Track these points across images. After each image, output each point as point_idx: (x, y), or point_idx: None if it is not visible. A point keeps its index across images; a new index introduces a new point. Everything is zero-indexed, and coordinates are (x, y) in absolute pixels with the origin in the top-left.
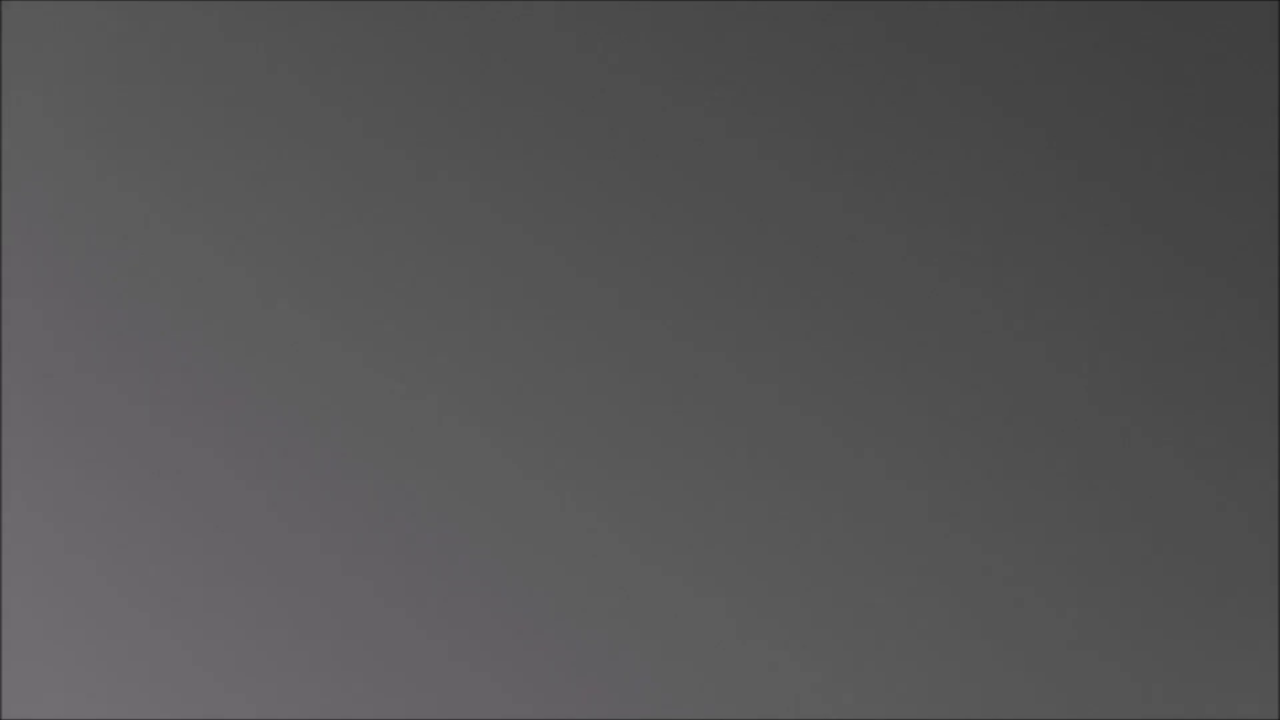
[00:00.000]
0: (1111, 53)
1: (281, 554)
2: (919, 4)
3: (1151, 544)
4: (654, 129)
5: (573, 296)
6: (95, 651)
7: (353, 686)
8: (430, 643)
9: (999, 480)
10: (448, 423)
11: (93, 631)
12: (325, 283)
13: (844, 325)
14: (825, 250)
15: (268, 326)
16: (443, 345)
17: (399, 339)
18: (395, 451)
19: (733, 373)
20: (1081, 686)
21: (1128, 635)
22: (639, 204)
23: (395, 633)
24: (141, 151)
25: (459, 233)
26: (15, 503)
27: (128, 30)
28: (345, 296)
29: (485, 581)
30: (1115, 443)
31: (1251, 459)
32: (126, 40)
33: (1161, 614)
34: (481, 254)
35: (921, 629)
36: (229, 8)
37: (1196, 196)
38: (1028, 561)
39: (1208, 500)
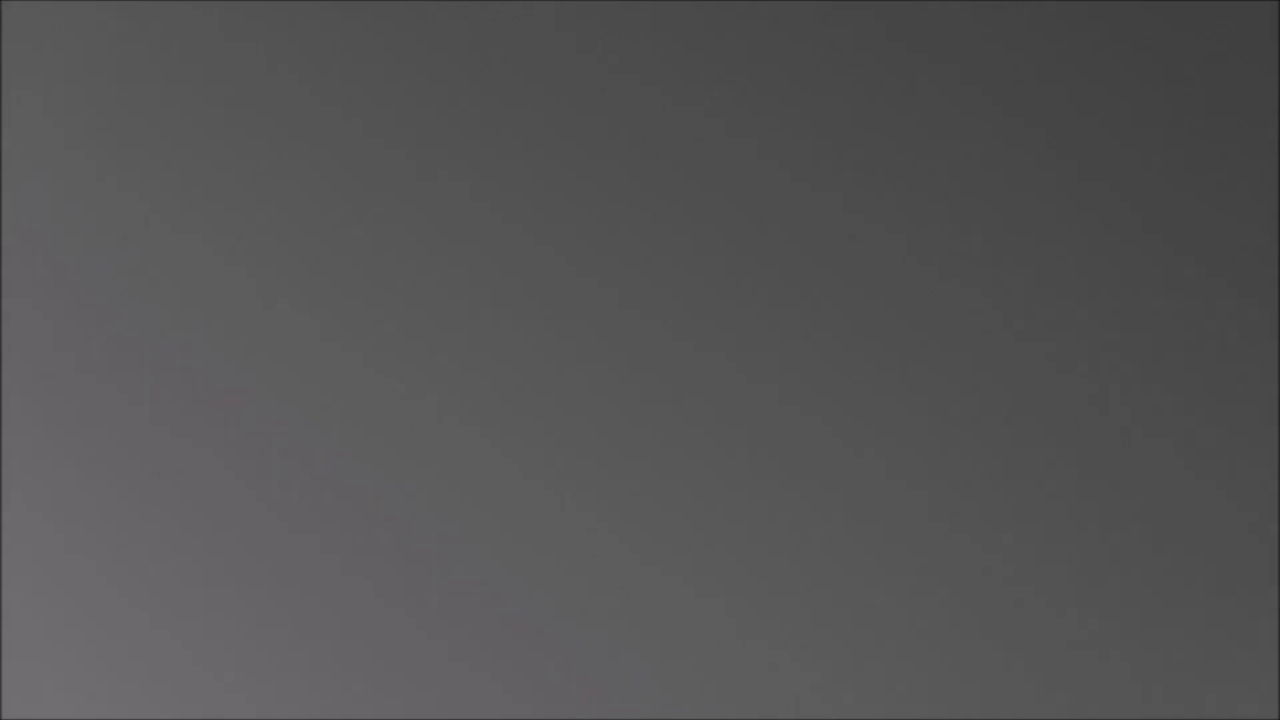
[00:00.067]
0: (1111, 53)
1: (281, 554)
2: (919, 4)
3: (1151, 544)
4: (654, 129)
5: (573, 296)
6: (95, 651)
7: (353, 686)
8: (430, 643)
9: (999, 480)
10: (448, 423)
11: (93, 631)
12: (325, 283)
13: (844, 325)
14: (825, 250)
15: (268, 326)
16: (443, 345)
17: (399, 339)
18: (395, 451)
19: (733, 373)
20: (1081, 686)
21: (1128, 635)
22: (639, 204)
23: (395, 633)
24: (141, 151)
25: (459, 233)
26: (15, 503)
27: (128, 30)
28: (345, 296)
29: (485, 581)
30: (1115, 442)
31: (1251, 459)
32: (126, 40)
33: (1161, 614)
34: (481, 254)
35: (921, 629)
36: (229, 8)
37: (1196, 196)
38: (1028, 561)
39: (1208, 500)
